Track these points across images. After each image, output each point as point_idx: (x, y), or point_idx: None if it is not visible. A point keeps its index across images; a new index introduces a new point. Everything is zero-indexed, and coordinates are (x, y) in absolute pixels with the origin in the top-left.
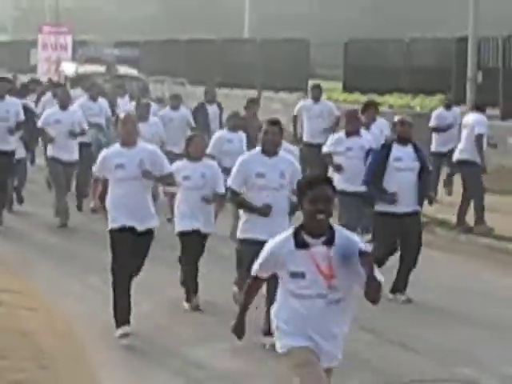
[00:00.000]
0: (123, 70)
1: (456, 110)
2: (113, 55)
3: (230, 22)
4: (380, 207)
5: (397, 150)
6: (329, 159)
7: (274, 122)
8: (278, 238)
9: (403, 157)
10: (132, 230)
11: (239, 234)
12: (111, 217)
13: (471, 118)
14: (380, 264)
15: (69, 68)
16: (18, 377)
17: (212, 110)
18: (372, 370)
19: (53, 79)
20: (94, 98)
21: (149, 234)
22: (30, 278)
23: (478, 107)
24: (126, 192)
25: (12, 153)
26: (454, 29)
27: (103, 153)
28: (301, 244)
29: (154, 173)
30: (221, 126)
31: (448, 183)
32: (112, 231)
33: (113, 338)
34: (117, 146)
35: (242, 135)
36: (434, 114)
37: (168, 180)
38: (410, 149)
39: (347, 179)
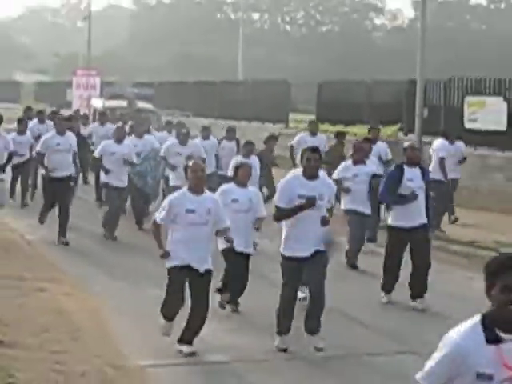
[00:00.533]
0: (141, 104)
1: (459, 143)
2: (133, 93)
3: (227, 67)
4: (392, 222)
5: (407, 172)
6: (338, 184)
7: (315, 149)
8: (462, 330)
9: (413, 177)
10: (192, 270)
11: (281, 250)
12: (173, 256)
13: (435, 144)
14: (390, 274)
15: (97, 103)
16: (55, 347)
17: (230, 145)
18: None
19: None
20: (140, 136)
21: (208, 274)
22: (71, 274)
23: (444, 134)
24: (193, 236)
25: (72, 177)
26: (406, 73)
27: (170, 199)
28: (492, 338)
29: (215, 223)
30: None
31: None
32: (171, 269)
33: (134, 318)
34: (184, 192)
35: (254, 159)
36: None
37: (224, 233)
38: (418, 170)
39: (353, 201)
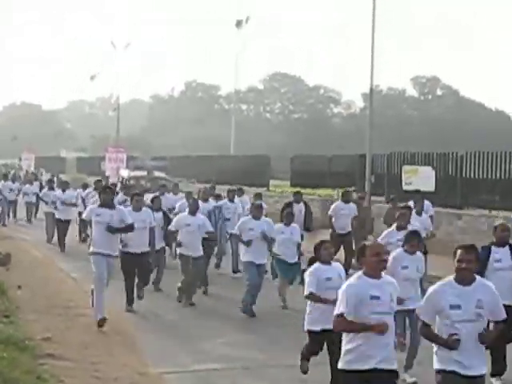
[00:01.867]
0: (157, 173)
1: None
2: (151, 165)
3: (222, 145)
4: None
5: (495, 252)
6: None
7: (469, 248)
8: None
9: (502, 258)
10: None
11: (437, 366)
12: (354, 358)
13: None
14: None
15: (124, 173)
16: (94, 360)
17: (299, 207)
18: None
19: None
20: (232, 200)
21: (395, 374)
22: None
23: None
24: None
25: (149, 253)
26: (357, 149)
27: (351, 287)
28: None
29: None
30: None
31: None
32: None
33: (156, 338)
34: (364, 278)
35: (294, 227)
36: None
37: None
38: (507, 250)
39: None
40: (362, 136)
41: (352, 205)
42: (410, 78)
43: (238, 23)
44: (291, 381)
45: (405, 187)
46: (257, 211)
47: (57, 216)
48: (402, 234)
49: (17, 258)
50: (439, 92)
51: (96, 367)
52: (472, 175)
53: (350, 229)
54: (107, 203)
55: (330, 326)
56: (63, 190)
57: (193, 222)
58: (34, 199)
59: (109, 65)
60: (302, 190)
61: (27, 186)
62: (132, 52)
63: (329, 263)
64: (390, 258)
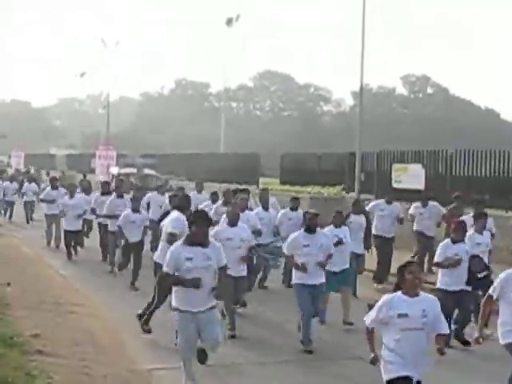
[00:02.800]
0: (147, 171)
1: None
2: (141, 162)
3: (212, 142)
4: None
5: None
6: (444, 264)
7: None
8: None
9: None
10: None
11: None
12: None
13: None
14: None
15: (114, 170)
16: (83, 356)
17: (359, 220)
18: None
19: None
20: (265, 208)
21: None
22: (96, 300)
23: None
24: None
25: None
26: (347, 147)
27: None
28: None
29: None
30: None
31: None
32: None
33: (143, 336)
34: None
35: (344, 229)
36: None
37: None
38: None
39: (453, 279)
40: (351, 134)
41: (396, 205)
42: (399, 76)
43: (229, 21)
44: (280, 378)
45: (394, 185)
46: (312, 222)
47: (65, 227)
48: (458, 248)
49: (6, 255)
50: (429, 90)
51: (85, 364)
52: (462, 173)
53: (393, 234)
54: (201, 240)
55: (410, 373)
56: (71, 196)
57: (235, 236)
58: (33, 198)
59: (100, 62)
60: (292, 188)
61: (26, 184)
62: (123, 50)
63: (415, 294)
64: (498, 278)
